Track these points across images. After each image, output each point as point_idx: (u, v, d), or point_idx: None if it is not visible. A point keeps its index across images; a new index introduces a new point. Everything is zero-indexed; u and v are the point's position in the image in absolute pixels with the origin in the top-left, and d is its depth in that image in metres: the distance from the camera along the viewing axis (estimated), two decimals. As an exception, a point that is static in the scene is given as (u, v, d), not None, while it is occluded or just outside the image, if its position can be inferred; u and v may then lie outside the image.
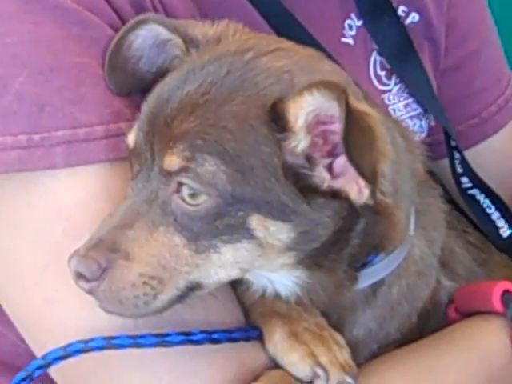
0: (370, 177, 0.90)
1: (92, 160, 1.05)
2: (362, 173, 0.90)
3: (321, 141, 0.95)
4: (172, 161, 0.95)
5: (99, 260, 0.94)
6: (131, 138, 1.01)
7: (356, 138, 0.88)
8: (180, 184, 0.95)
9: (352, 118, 0.87)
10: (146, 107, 1.01)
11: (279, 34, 1.24)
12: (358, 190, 0.94)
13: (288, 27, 1.26)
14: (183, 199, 0.95)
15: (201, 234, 0.96)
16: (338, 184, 0.95)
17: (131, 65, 1.09)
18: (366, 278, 1.08)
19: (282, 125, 0.94)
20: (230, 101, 0.96)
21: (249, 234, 0.96)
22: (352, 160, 0.88)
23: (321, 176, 0.96)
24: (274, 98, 0.95)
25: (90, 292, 0.95)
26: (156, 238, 0.97)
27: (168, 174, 0.96)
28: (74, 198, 1.06)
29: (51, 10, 1.07)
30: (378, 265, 1.08)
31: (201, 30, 1.09)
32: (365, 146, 0.89)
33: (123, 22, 1.13)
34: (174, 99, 0.98)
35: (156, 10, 1.17)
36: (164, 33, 1.08)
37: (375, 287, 1.12)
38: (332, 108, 0.90)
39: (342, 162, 0.94)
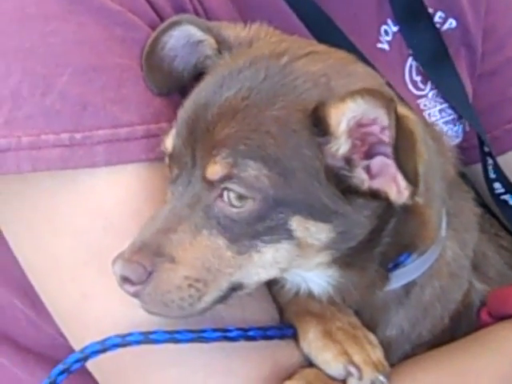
0: (413, 179, 0.92)
1: (132, 159, 1.06)
2: (406, 176, 0.91)
3: (359, 143, 0.96)
4: (215, 170, 0.96)
5: (145, 264, 0.95)
6: (169, 143, 1.02)
7: (402, 143, 0.90)
8: (224, 189, 0.96)
9: (398, 125, 0.89)
10: (184, 112, 1.02)
11: (317, 37, 1.25)
12: (397, 191, 0.95)
13: (325, 31, 1.27)
14: (229, 202, 0.96)
15: (242, 235, 0.97)
16: (376, 184, 0.97)
17: (167, 65, 1.10)
18: (399, 279, 1.09)
19: (323, 129, 0.96)
20: (270, 106, 0.97)
21: (289, 235, 0.98)
22: (399, 165, 0.90)
23: (360, 177, 0.97)
24: (315, 102, 0.97)
25: (136, 295, 0.97)
26: (200, 241, 0.98)
27: (211, 183, 0.97)
28: (114, 196, 1.08)
29: (95, 11, 1.08)
30: (411, 265, 1.09)
31: (233, 31, 1.10)
32: (408, 150, 0.91)
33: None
34: (213, 104, 0.99)
35: (197, 13, 1.18)
36: (197, 33, 1.09)
37: (408, 288, 1.12)
38: (375, 114, 0.91)
39: (378, 162, 0.96)
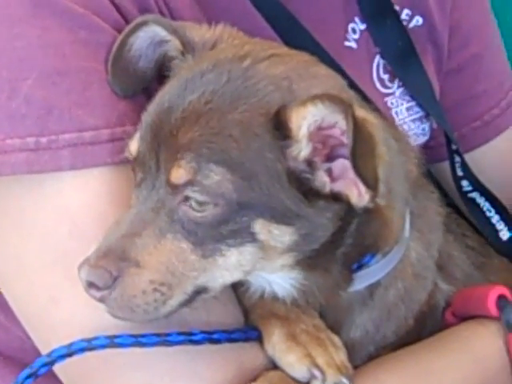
0: (372, 183, 0.93)
1: (98, 163, 1.07)
2: (365, 181, 0.93)
3: (320, 146, 0.97)
4: (179, 173, 0.97)
5: (110, 269, 0.96)
6: (133, 147, 1.03)
7: (360, 148, 0.91)
8: (187, 196, 0.97)
9: (356, 130, 0.90)
10: (148, 116, 1.03)
11: (283, 38, 1.26)
12: (358, 194, 0.96)
13: (292, 31, 1.27)
14: (190, 207, 0.97)
15: (207, 239, 0.98)
16: (338, 187, 0.98)
17: (132, 66, 1.11)
18: (362, 280, 1.10)
19: (284, 132, 0.97)
20: (233, 109, 0.98)
21: (252, 238, 0.99)
22: (357, 170, 0.91)
23: (322, 180, 0.98)
24: (276, 105, 0.98)
25: (101, 300, 0.97)
26: (164, 245, 0.99)
27: (175, 187, 0.97)
28: (79, 199, 1.08)
29: (59, 14, 1.08)
30: (374, 266, 1.10)
31: (198, 32, 1.11)
32: (367, 155, 0.92)
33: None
34: (176, 108, 1.00)
35: (163, 14, 1.18)
36: (162, 33, 1.10)
37: (372, 289, 1.13)
38: (335, 118, 0.93)
39: (339, 165, 0.97)
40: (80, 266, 0.97)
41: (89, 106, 1.07)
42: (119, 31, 1.12)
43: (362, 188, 0.95)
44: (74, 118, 1.06)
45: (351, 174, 0.94)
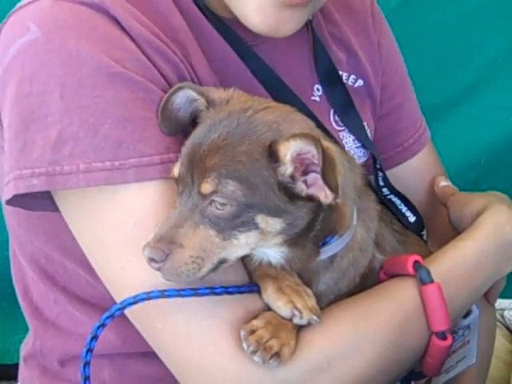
0: (334, 189, 0.99)
1: (152, 178, 1.10)
2: (330, 187, 0.99)
3: (299, 165, 1.02)
4: (207, 187, 1.02)
5: (164, 249, 1.00)
6: (176, 170, 1.06)
7: (325, 166, 0.97)
8: (212, 200, 1.02)
9: (323, 155, 0.97)
10: (185, 149, 1.06)
11: (272, 95, 1.29)
12: (325, 196, 1.01)
13: (278, 90, 1.30)
14: (215, 207, 1.02)
15: (226, 228, 1.03)
16: (311, 192, 1.03)
17: (174, 115, 1.14)
18: (326, 252, 1.13)
19: (275, 158, 1.02)
20: (241, 143, 1.03)
21: (255, 226, 1.03)
22: (324, 180, 0.98)
23: (300, 187, 1.03)
24: (270, 141, 1.02)
25: (158, 270, 1.02)
26: (198, 232, 1.03)
27: (204, 195, 1.02)
28: (140, 202, 1.11)
29: (126, 81, 1.11)
30: (334, 243, 1.13)
31: (217, 94, 1.14)
32: (331, 171, 0.98)
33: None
34: (204, 143, 1.04)
35: (192, 80, 1.21)
36: (194, 94, 1.13)
37: (332, 258, 1.16)
38: (309, 148, 0.99)
39: (312, 177, 1.02)
40: (144, 247, 1.01)
41: (146, 141, 1.10)
42: (165, 92, 1.14)
43: (328, 192, 1.00)
44: (136, 149, 1.09)
45: (320, 182, 1.00)
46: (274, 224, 1.05)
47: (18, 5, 1.19)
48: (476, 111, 2.41)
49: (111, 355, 1.28)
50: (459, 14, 2.30)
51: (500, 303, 2.08)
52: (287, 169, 1.03)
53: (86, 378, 1.09)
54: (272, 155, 1.03)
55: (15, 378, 1.47)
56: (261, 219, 1.04)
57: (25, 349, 1.42)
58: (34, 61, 1.10)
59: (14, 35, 1.14)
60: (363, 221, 1.22)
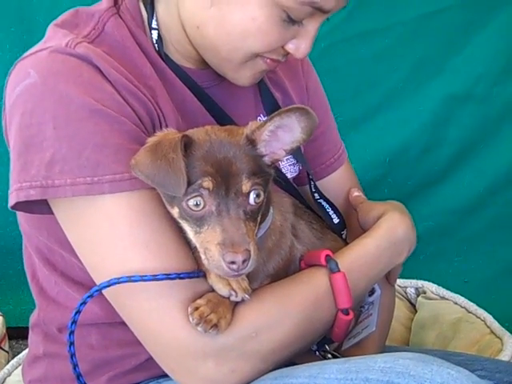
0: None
1: (123, 190, 1.09)
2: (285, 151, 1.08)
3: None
4: (247, 186, 1.00)
5: (246, 248, 0.98)
6: (209, 184, 0.99)
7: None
8: (250, 196, 1.00)
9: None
10: (207, 169, 1.00)
11: (222, 125, 1.23)
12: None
13: (227, 122, 1.25)
14: (254, 201, 1.01)
15: (257, 216, 1.04)
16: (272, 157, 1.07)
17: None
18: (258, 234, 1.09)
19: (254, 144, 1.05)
20: (238, 149, 1.03)
21: (263, 207, 1.06)
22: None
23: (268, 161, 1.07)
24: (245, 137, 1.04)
25: (240, 269, 0.99)
26: (249, 227, 1.01)
27: (245, 194, 1.00)
28: (114, 209, 1.10)
29: (104, 116, 1.10)
30: (261, 226, 1.11)
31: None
32: None
33: (142, 122, 1.15)
34: (222, 159, 1.01)
35: (158, 116, 1.19)
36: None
37: (260, 239, 1.10)
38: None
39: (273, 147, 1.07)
40: (224, 255, 0.97)
41: (119, 162, 1.09)
42: (135, 124, 1.13)
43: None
44: (111, 168, 1.08)
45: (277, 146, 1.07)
46: (264, 199, 1.04)
47: (23, 55, 1.20)
48: (383, 123, 2.61)
49: (97, 324, 1.27)
50: (370, 52, 2.51)
51: (404, 282, 2.12)
52: (262, 147, 1.05)
53: (71, 343, 1.10)
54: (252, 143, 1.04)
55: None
56: (264, 197, 1.03)
57: (32, 319, 1.41)
58: (32, 99, 1.10)
59: (18, 79, 1.15)
60: (280, 210, 1.20)
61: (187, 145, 1.00)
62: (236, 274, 0.97)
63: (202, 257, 1.00)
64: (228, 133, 1.04)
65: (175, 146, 0.97)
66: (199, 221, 1.00)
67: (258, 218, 1.03)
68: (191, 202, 1.00)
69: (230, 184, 0.98)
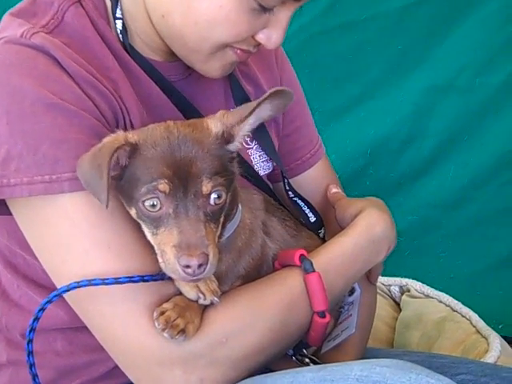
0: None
1: (83, 188, 1.03)
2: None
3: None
4: (207, 187, 0.96)
5: (204, 251, 0.94)
6: (165, 187, 0.95)
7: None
8: (210, 197, 0.96)
9: None
10: (164, 170, 0.96)
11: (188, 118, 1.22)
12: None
13: (195, 116, 1.19)
14: (214, 203, 0.97)
15: (218, 217, 1.00)
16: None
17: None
18: (225, 234, 1.08)
19: (228, 140, 1.02)
20: (201, 147, 0.98)
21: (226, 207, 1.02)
22: None
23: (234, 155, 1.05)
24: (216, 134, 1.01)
25: (199, 274, 0.95)
26: (209, 229, 0.96)
27: (205, 195, 0.95)
28: (74, 209, 1.06)
29: (61, 109, 1.06)
30: (229, 226, 1.08)
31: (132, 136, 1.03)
32: None
33: (104, 116, 1.11)
34: (181, 159, 0.96)
35: (121, 109, 1.15)
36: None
37: (228, 239, 1.08)
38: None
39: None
40: (179, 258, 0.93)
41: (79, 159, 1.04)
42: (97, 119, 1.09)
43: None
44: (70, 165, 1.04)
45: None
46: (227, 199, 1.00)
47: None
48: (364, 114, 2.56)
49: (62, 329, 1.23)
50: (351, 44, 2.48)
51: (388, 280, 2.09)
52: (235, 142, 1.02)
53: (29, 353, 1.05)
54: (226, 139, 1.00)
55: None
56: (226, 197, 1.00)
57: (-6, 325, 1.36)
58: None
59: None
60: (249, 207, 1.17)
61: (135, 148, 0.97)
62: (193, 278, 0.93)
63: (159, 260, 0.96)
64: (192, 128, 0.99)
65: (107, 157, 0.93)
66: (156, 222, 0.96)
67: (221, 219, 0.99)
68: (147, 203, 0.96)
69: (189, 185, 0.94)
